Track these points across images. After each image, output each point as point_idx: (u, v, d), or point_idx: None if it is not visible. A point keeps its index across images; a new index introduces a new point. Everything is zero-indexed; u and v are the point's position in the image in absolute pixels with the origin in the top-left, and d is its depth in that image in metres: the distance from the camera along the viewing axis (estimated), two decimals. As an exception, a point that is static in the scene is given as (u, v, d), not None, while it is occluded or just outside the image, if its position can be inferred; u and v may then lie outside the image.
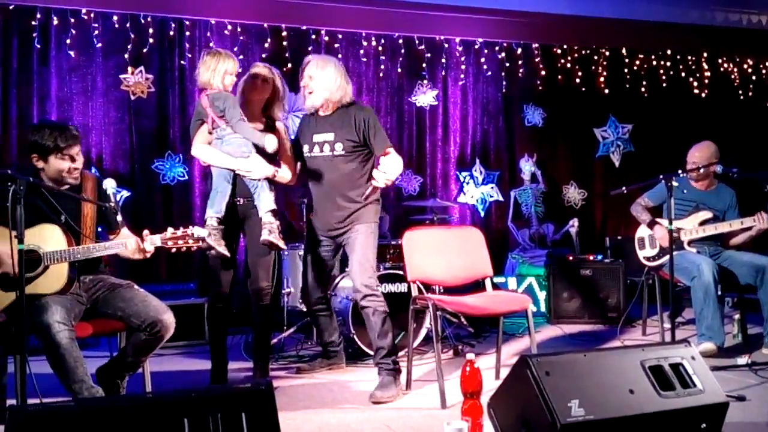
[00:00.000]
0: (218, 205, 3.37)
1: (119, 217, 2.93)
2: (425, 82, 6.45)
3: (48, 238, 2.84)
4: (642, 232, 4.55)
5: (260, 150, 3.36)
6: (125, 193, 5.47)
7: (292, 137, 3.78)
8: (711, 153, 4.32)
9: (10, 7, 5.24)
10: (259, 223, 3.39)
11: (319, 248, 3.68)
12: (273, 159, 3.46)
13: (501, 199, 6.67)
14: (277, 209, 3.41)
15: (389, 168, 3.42)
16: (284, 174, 3.51)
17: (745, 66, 7.36)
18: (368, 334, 3.56)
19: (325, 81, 3.49)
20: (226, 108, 3.32)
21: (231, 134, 3.36)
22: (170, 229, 2.92)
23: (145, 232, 2.94)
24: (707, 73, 7.20)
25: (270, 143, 3.30)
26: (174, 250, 2.92)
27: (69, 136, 2.92)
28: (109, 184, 3.01)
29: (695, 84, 7.19)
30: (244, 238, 3.58)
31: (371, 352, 3.65)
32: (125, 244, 2.90)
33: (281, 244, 3.36)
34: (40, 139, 2.89)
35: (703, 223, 4.29)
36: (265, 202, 3.38)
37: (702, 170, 4.28)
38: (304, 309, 4.71)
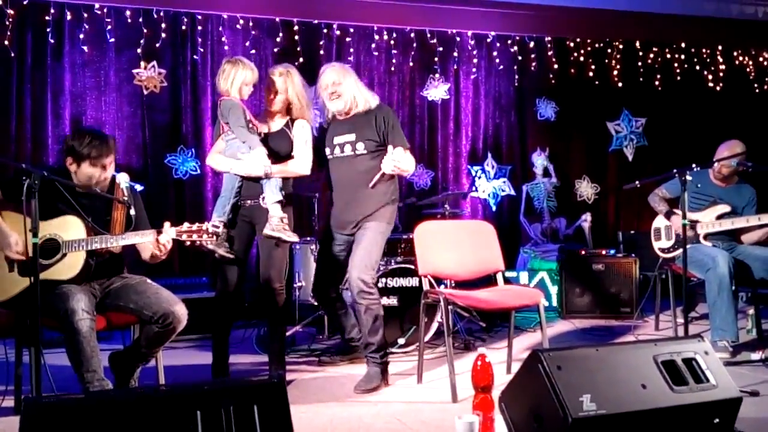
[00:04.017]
0: (221, 209, 3.45)
1: (132, 211, 2.95)
2: (437, 76, 6.44)
3: (69, 228, 2.93)
4: (658, 222, 4.52)
5: (268, 146, 3.45)
6: (138, 187, 5.50)
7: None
8: (740, 152, 4.25)
9: (24, 2, 5.27)
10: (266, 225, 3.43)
11: (333, 248, 3.72)
12: (285, 156, 3.52)
13: (513, 193, 6.65)
14: (284, 200, 3.44)
15: (400, 157, 3.43)
16: (293, 169, 3.53)
17: (761, 59, 7.27)
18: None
19: (349, 87, 3.61)
20: (229, 116, 3.40)
21: (233, 138, 3.47)
22: (186, 224, 2.99)
23: (166, 224, 2.98)
24: (722, 67, 7.13)
25: (258, 154, 3.38)
26: (188, 243, 2.98)
27: (105, 147, 3.02)
28: (122, 179, 3.04)
29: (710, 77, 7.12)
30: (258, 238, 3.58)
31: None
32: (142, 234, 2.94)
33: (285, 236, 3.39)
34: (78, 146, 2.99)
35: (720, 217, 4.25)
36: (270, 194, 3.42)
37: (717, 165, 4.24)
38: (316, 303, 4.75)
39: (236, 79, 3.44)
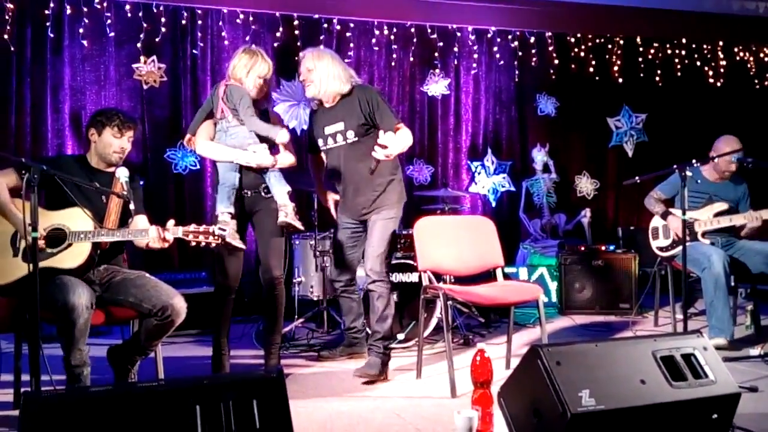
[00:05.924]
0: (227, 201, 3.38)
1: (132, 206, 2.95)
2: (437, 71, 6.42)
3: (77, 219, 2.94)
4: (656, 222, 4.53)
5: (263, 139, 3.41)
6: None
7: (303, 127, 3.81)
8: (737, 147, 4.24)
9: (24, -3, 5.27)
10: (268, 214, 3.43)
11: (348, 232, 3.74)
12: (272, 147, 3.50)
13: (513, 189, 6.64)
14: (291, 190, 3.45)
15: (389, 142, 3.36)
16: (285, 160, 3.54)
17: (761, 55, 7.26)
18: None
19: (321, 72, 3.56)
20: (240, 104, 3.36)
21: (235, 126, 3.41)
22: (193, 225, 2.99)
23: (171, 222, 2.98)
24: (722, 62, 7.12)
25: (282, 136, 3.36)
26: (193, 243, 2.98)
27: (131, 121, 3.19)
28: (122, 173, 3.04)
29: (710, 73, 7.11)
30: (253, 229, 3.59)
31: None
32: (147, 231, 2.95)
33: (298, 225, 3.41)
34: (104, 117, 3.13)
35: (718, 214, 4.26)
36: (281, 185, 3.42)
37: (717, 161, 4.24)
38: (315, 298, 4.75)
39: (253, 70, 3.43)
